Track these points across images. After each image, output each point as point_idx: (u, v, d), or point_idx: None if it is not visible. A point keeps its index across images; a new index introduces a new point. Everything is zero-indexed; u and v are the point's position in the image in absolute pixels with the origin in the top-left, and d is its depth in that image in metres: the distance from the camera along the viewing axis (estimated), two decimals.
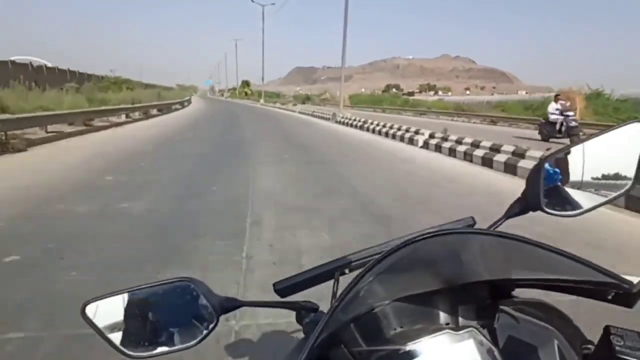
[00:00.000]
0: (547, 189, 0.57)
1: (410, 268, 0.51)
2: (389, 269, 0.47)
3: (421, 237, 0.44)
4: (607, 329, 0.37)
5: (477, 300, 0.54)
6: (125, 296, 0.54)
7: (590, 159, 0.57)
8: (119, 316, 0.53)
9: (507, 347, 0.51)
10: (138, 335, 0.54)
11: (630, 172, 0.55)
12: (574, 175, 0.57)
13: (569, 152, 0.58)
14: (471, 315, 0.53)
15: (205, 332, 0.53)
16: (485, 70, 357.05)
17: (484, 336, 0.50)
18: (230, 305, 0.55)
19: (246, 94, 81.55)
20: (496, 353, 0.49)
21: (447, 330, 0.51)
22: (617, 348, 0.35)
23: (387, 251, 0.45)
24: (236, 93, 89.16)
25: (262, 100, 49.91)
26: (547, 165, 0.57)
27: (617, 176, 0.56)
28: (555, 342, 0.52)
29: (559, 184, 0.57)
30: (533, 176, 0.57)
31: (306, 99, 58.53)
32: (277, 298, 0.67)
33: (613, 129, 0.57)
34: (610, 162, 0.57)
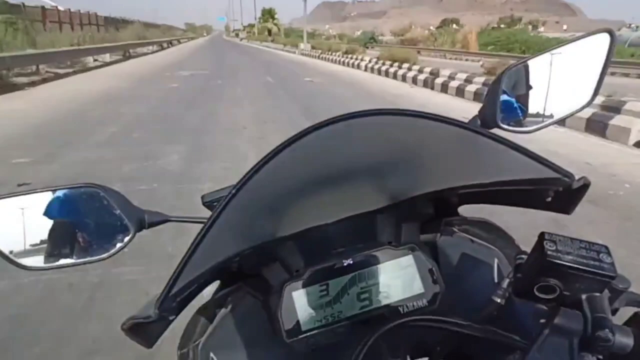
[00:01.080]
0: (505, 104, 0.57)
1: (348, 174, 0.51)
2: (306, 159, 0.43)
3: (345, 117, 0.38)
4: (541, 235, 0.39)
5: (421, 218, 0.57)
6: (21, 199, 0.51)
7: (553, 70, 0.56)
8: (12, 222, 0.50)
9: (447, 264, 0.55)
10: (37, 244, 0.51)
11: (592, 85, 0.55)
12: (535, 87, 0.57)
13: (530, 64, 0.57)
14: (414, 233, 0.56)
15: (119, 245, 0.52)
16: (545, 1, 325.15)
17: (424, 252, 0.54)
18: (153, 219, 0.55)
19: (269, 32, 55.41)
20: (435, 269, 0.53)
21: (387, 247, 0.54)
22: (549, 252, 0.37)
23: (299, 134, 0.37)
24: (254, 32, 62.73)
25: (302, 45, 28.79)
26: (507, 78, 0.57)
27: (578, 89, 0.56)
28: (496, 260, 0.56)
29: (518, 97, 0.58)
30: (491, 90, 0.57)
31: (370, 40, 35.52)
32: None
33: (579, 39, 0.56)
34: (573, 74, 0.56)
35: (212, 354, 0.54)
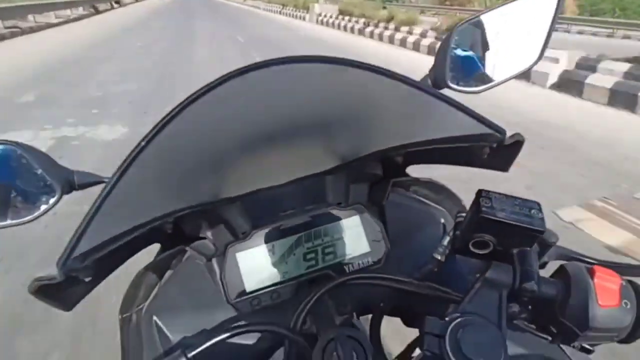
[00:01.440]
0: (455, 63, 0.56)
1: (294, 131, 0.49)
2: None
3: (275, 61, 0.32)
4: (478, 193, 0.40)
5: (370, 179, 0.58)
6: None
7: (502, 28, 0.57)
8: None
9: (394, 223, 0.56)
10: None
11: (539, 44, 0.56)
12: (485, 45, 0.58)
13: (480, 21, 0.57)
14: (362, 194, 0.57)
15: (43, 207, 0.49)
16: None
17: (371, 213, 0.55)
18: (84, 180, 0.52)
19: None
20: (381, 228, 0.55)
21: (334, 207, 0.55)
22: (484, 209, 0.38)
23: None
24: None
25: (318, 7, 17.92)
26: (457, 36, 0.56)
27: (526, 47, 0.56)
28: (442, 219, 0.58)
29: (468, 56, 0.58)
30: (441, 48, 0.57)
31: None
32: None
33: None
34: (521, 32, 0.57)
35: (155, 318, 0.53)
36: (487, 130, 0.41)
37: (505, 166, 0.45)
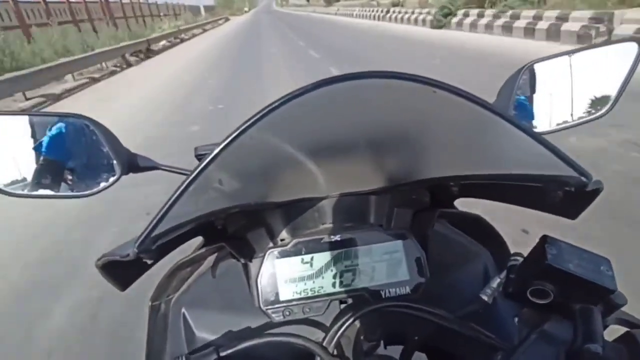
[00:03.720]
0: (519, 101, 0.58)
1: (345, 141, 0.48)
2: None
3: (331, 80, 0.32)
4: (543, 238, 0.39)
5: (415, 206, 0.58)
6: (3, 119, 0.52)
7: (574, 72, 0.57)
8: None
9: (435, 256, 0.56)
10: (17, 170, 0.51)
11: (610, 95, 0.56)
12: (551, 89, 0.58)
13: (552, 62, 0.58)
14: (406, 220, 0.57)
15: (103, 184, 0.52)
16: None
17: (414, 240, 0.55)
18: (142, 164, 0.54)
19: None
20: (423, 258, 0.54)
21: (378, 229, 0.55)
22: (550, 256, 0.36)
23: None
24: None
25: None
26: (524, 75, 0.57)
27: (594, 97, 0.57)
28: (484, 259, 0.58)
29: (533, 96, 0.58)
30: (508, 84, 0.58)
31: None
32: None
33: (605, 45, 0.57)
34: (594, 80, 0.57)
35: (184, 310, 0.55)
36: (572, 173, 0.38)
37: (573, 214, 0.42)
